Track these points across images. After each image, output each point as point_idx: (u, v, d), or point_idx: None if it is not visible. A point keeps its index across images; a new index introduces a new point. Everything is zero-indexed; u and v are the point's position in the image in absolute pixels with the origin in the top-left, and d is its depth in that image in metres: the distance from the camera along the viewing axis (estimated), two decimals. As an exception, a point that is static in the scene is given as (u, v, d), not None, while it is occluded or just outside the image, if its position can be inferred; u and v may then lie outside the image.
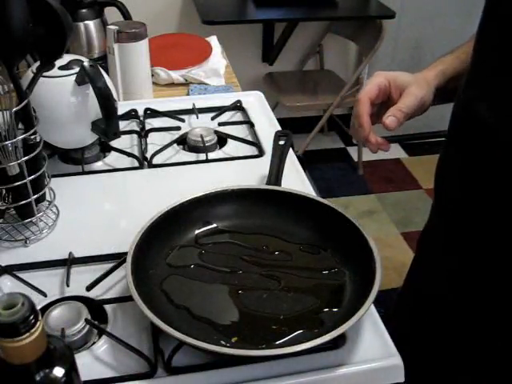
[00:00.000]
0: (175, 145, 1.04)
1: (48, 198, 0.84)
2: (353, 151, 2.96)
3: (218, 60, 1.40)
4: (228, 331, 0.64)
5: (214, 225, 0.78)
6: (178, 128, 1.07)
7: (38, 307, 0.67)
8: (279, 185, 0.83)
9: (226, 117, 1.13)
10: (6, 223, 0.81)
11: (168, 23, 2.49)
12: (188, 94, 1.28)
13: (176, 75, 1.32)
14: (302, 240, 0.76)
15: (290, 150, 0.94)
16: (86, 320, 0.64)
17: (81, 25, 1.22)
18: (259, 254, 0.74)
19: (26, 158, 0.75)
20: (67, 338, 0.62)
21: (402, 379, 0.63)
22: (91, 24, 1.24)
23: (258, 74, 2.76)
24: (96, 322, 0.65)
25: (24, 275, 0.73)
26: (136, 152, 1.01)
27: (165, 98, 1.22)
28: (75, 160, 0.97)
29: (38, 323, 0.41)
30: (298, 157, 0.98)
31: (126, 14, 1.27)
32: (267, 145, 1.01)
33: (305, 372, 0.61)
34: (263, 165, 0.90)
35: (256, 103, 1.18)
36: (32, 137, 0.77)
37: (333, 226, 0.74)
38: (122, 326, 0.66)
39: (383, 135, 0.73)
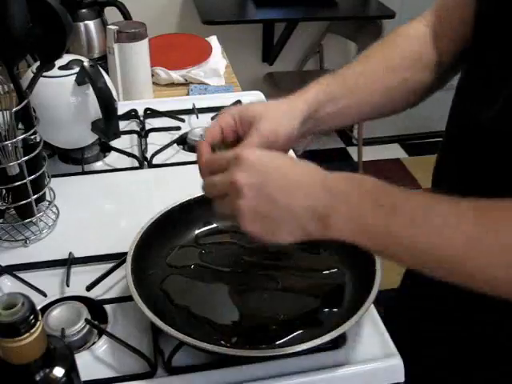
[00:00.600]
0: (175, 145, 1.03)
1: (48, 197, 0.84)
2: (353, 151, 2.96)
3: (217, 60, 1.40)
4: (228, 331, 0.64)
5: (214, 225, 0.78)
6: (178, 128, 1.07)
7: (38, 307, 0.67)
8: (279, 185, 0.83)
9: (226, 117, 1.13)
10: (5, 223, 0.81)
11: (168, 23, 2.49)
12: (188, 94, 1.28)
13: (176, 75, 1.32)
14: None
15: (290, 149, 0.94)
16: (85, 320, 0.64)
17: (81, 25, 1.22)
18: (259, 254, 0.74)
19: (26, 158, 0.75)
20: (67, 338, 0.62)
21: (402, 379, 0.63)
22: (91, 24, 1.24)
23: (257, 74, 2.75)
24: (96, 322, 0.65)
25: (24, 275, 0.73)
26: (136, 152, 1.01)
27: (165, 98, 1.22)
28: (75, 160, 0.97)
29: (38, 323, 0.41)
30: (299, 157, 0.98)
31: (126, 14, 1.27)
32: (267, 145, 1.00)
33: (305, 372, 0.61)
34: (263, 165, 0.90)
35: (256, 103, 1.18)
36: (32, 137, 0.77)
37: (333, 225, 0.74)
38: (122, 325, 0.66)
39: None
